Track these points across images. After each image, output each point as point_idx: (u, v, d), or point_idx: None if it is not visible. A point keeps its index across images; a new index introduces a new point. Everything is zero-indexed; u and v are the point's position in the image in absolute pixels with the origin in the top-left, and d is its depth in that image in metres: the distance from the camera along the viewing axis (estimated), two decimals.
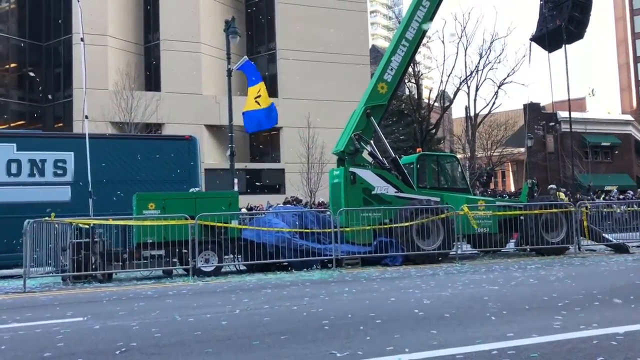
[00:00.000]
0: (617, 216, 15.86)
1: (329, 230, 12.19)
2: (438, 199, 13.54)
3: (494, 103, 43.91)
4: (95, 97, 28.40)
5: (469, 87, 43.37)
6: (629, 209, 16.31)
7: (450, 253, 13.03)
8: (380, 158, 13.87)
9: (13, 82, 41.69)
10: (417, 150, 16.13)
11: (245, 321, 6.03)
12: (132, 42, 40.41)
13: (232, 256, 12.30)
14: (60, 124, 39.79)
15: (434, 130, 44.86)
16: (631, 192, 30.39)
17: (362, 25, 45.19)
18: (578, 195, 26.21)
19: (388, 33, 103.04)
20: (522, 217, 13.62)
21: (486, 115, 44.53)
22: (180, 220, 11.30)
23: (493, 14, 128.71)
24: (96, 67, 32.23)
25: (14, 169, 13.64)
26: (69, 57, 37.70)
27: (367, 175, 13.25)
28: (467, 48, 42.57)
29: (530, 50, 19.07)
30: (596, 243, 14.53)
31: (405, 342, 4.70)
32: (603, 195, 30.21)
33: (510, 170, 55.39)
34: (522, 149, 41.37)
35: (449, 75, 43.13)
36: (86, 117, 13.59)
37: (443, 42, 42.73)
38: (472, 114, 43.94)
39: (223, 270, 12.15)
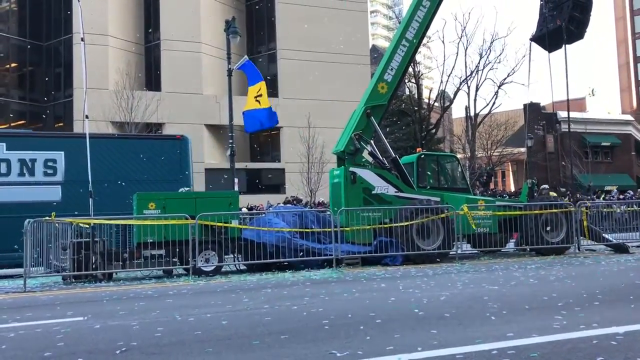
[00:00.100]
0: (617, 216, 15.87)
1: (329, 229, 12.20)
2: (438, 199, 13.54)
3: (494, 103, 43.95)
4: (96, 96, 28.41)
5: (469, 87, 43.40)
6: (628, 209, 16.32)
7: (450, 253, 13.03)
8: (381, 158, 13.88)
9: (13, 82, 41.70)
10: (417, 150, 16.14)
11: (245, 321, 6.04)
12: (132, 41, 40.41)
13: (232, 256, 12.31)
14: (61, 124, 39.81)
15: (434, 130, 44.86)
16: (631, 192, 30.41)
17: (363, 25, 45.20)
18: (578, 195, 26.21)
19: (388, 33, 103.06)
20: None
21: (486, 115, 44.53)
22: (180, 220, 11.31)
23: (493, 14, 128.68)
24: (96, 66, 32.23)
25: (3, 169, 13.58)
26: (70, 57, 37.72)
27: (367, 175, 13.25)
28: (467, 48, 42.61)
29: (530, 50, 19.01)
30: (596, 243, 14.54)
31: (405, 342, 4.70)
32: (603, 195, 30.21)
33: (510, 170, 55.39)
34: (522, 149, 41.40)
35: (449, 75, 43.15)
36: (86, 116, 13.57)
37: (443, 42, 42.76)
38: (472, 113, 43.93)
39: (223, 269, 12.16)
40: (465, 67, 43.21)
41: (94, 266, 11.07)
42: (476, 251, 14.19)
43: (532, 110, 41.96)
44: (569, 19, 15.98)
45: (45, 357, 4.69)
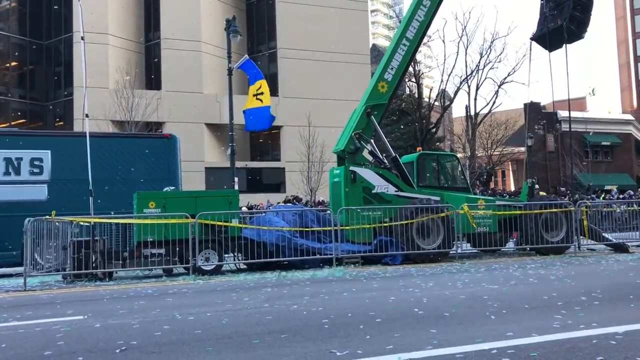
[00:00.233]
0: (617, 216, 15.88)
1: (329, 228, 12.20)
2: (438, 198, 13.55)
3: (494, 102, 43.97)
4: (96, 95, 28.41)
5: (469, 87, 43.42)
6: (628, 208, 16.32)
7: (450, 252, 13.04)
8: (381, 157, 13.88)
9: (14, 81, 41.70)
10: (418, 149, 16.14)
11: (245, 320, 6.04)
12: (132, 40, 40.40)
13: (232, 255, 12.31)
14: (61, 123, 39.83)
15: (434, 130, 44.85)
16: (631, 192, 30.41)
17: (363, 24, 45.17)
18: (578, 194, 26.21)
19: (389, 32, 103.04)
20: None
21: (486, 114, 44.54)
22: (180, 219, 11.31)
23: (494, 14, 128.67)
24: (97, 65, 32.22)
25: None
26: (70, 56, 37.72)
27: (368, 174, 13.26)
28: (467, 47, 42.63)
29: (530, 49, 19.00)
30: (596, 242, 14.54)
31: (405, 341, 4.71)
32: (603, 195, 30.22)
33: (511, 169, 55.41)
34: (522, 149, 41.40)
35: (450, 74, 43.16)
36: (86, 115, 13.54)
37: (444, 41, 42.78)
38: (472, 113, 43.95)
39: (223, 269, 12.16)
40: (466, 66, 43.27)
41: (94, 265, 11.08)
42: (476, 250, 14.19)
43: (533, 109, 41.95)
44: (569, 18, 15.98)
45: (45, 356, 4.69)
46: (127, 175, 13.73)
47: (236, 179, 17.75)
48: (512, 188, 47.64)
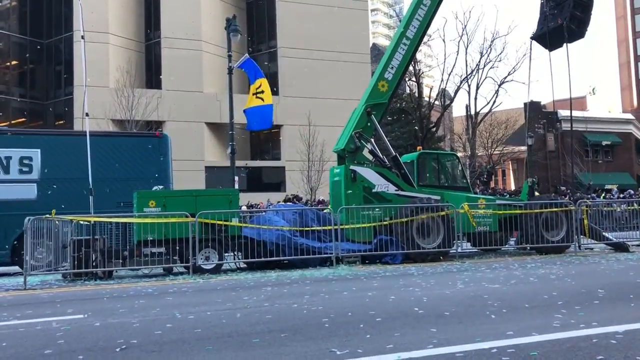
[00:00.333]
0: (617, 215, 15.88)
1: (329, 227, 12.20)
2: (438, 197, 13.54)
3: (494, 101, 43.99)
4: (96, 94, 28.40)
5: (469, 86, 43.44)
6: (629, 207, 16.32)
7: (451, 251, 13.04)
8: (381, 156, 13.87)
9: (14, 80, 41.70)
10: (418, 148, 16.15)
11: (245, 319, 6.04)
12: (133, 39, 40.41)
13: (232, 254, 12.31)
14: (61, 122, 39.83)
15: (434, 129, 44.86)
16: (631, 191, 30.41)
17: (363, 23, 45.16)
18: (578, 194, 26.20)
19: (389, 31, 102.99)
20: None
21: (487, 113, 44.54)
22: (180, 218, 11.31)
23: (494, 13, 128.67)
24: (97, 64, 32.21)
25: None
26: (70, 55, 37.73)
27: (368, 173, 13.26)
28: (467, 46, 42.66)
29: (531, 49, 18.98)
30: (596, 242, 14.54)
31: (405, 341, 4.71)
32: (603, 194, 30.22)
33: (511, 168, 55.42)
34: (523, 148, 41.40)
35: (450, 73, 43.20)
36: (87, 114, 13.52)
37: (444, 40, 42.82)
38: (472, 112, 43.95)
39: (223, 268, 12.15)
40: (466, 65, 43.30)
41: (94, 264, 11.08)
42: (476, 250, 14.19)
43: (533, 108, 41.98)
44: (570, 17, 15.96)
45: (46, 354, 4.69)
46: (117, 174, 13.57)
47: (236, 178, 17.75)
48: (513, 187, 47.63)
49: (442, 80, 43.63)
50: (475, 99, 43.58)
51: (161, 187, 12.82)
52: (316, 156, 33.03)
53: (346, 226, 12.41)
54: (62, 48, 40.20)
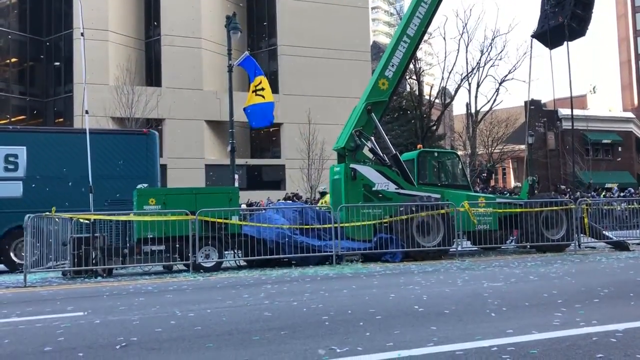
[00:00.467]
0: (617, 214, 15.88)
1: (329, 225, 12.20)
2: (438, 196, 13.54)
3: (494, 100, 43.95)
4: (96, 92, 28.40)
5: (470, 84, 43.38)
6: (629, 206, 16.32)
7: (451, 250, 13.04)
8: (381, 154, 13.86)
9: (14, 77, 41.68)
10: (418, 146, 16.13)
11: (245, 316, 6.04)
12: (132, 37, 40.37)
13: (232, 252, 12.32)
14: (61, 119, 39.83)
15: (434, 127, 44.84)
16: (631, 190, 30.40)
17: (363, 21, 45.13)
18: (578, 192, 26.20)
19: (389, 29, 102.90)
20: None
21: (487, 112, 44.51)
22: (180, 216, 11.31)
23: (494, 11, 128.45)
24: (97, 62, 32.18)
25: None
26: (70, 52, 37.71)
27: (368, 171, 13.26)
28: (468, 45, 42.60)
29: (531, 47, 18.97)
30: (596, 240, 14.54)
31: (404, 338, 4.71)
32: (604, 193, 30.21)
33: (511, 167, 55.41)
34: (523, 146, 41.37)
35: (450, 71, 43.19)
36: (86, 112, 13.50)
37: (444, 38, 42.77)
38: (473, 110, 43.93)
39: (223, 265, 12.16)
40: (467, 63, 43.28)
41: (94, 261, 11.08)
42: (476, 248, 14.19)
43: (533, 107, 41.92)
44: (570, 15, 15.94)
45: (46, 351, 4.69)
46: (103, 172, 13.34)
47: (236, 176, 17.75)
48: (513, 185, 47.62)
49: (442, 78, 43.64)
50: (476, 97, 43.58)
51: (145, 185, 12.63)
52: (316, 154, 33.03)
53: (346, 224, 12.41)
54: (61, 45, 40.18)
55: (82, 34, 13.79)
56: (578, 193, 25.17)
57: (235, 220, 11.90)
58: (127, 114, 29.98)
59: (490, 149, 44.89)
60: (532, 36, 17.33)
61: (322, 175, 30.56)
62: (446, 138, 49.96)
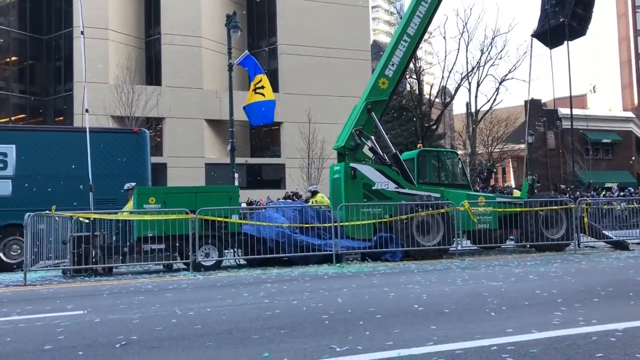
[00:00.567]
0: (617, 213, 15.88)
1: (329, 225, 12.20)
2: (438, 195, 13.55)
3: (494, 99, 43.94)
4: (96, 90, 28.39)
5: (470, 83, 43.36)
6: (629, 206, 16.33)
7: (450, 249, 13.04)
8: (381, 153, 13.87)
9: (14, 75, 41.66)
10: (418, 146, 16.13)
11: (245, 315, 6.04)
12: (133, 35, 40.35)
13: (232, 251, 12.32)
14: (61, 118, 39.81)
15: (434, 126, 44.83)
16: (631, 189, 30.40)
17: (364, 20, 45.11)
18: (578, 192, 26.20)
19: (389, 28, 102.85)
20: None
21: (487, 111, 44.51)
22: (180, 215, 11.31)
23: (495, 10, 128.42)
24: (97, 60, 32.17)
25: None
26: (70, 51, 37.69)
27: (368, 170, 13.26)
28: (468, 44, 42.59)
29: (531, 46, 18.94)
30: (596, 240, 14.54)
31: (404, 338, 4.71)
32: (603, 193, 30.22)
33: (511, 166, 55.41)
34: (523, 146, 41.36)
35: (450, 71, 43.22)
36: (86, 110, 13.49)
37: (444, 37, 42.77)
38: (473, 110, 43.92)
39: (223, 264, 12.17)
40: (467, 63, 43.37)
41: (94, 260, 11.09)
42: (476, 247, 14.20)
43: (533, 106, 41.93)
44: (571, 15, 15.93)
45: (46, 350, 4.70)
46: (93, 171, 13.05)
47: (236, 175, 17.75)
48: (513, 185, 47.64)
49: (442, 77, 43.61)
50: (476, 96, 43.57)
51: (133, 183, 12.55)
52: (316, 153, 33.03)
53: (346, 223, 12.41)
54: (62, 44, 40.16)
55: (82, 33, 13.77)
56: (578, 192, 25.16)
57: (235, 219, 11.90)
58: (127, 112, 29.97)
59: (490, 149, 44.90)
60: (533, 35, 17.31)
61: (322, 174, 30.55)
62: (446, 137, 49.96)
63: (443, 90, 45.10)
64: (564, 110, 43.77)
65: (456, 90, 44.54)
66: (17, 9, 41.15)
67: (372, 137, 14.02)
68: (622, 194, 28.03)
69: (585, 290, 7.09)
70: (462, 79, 43.31)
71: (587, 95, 61.92)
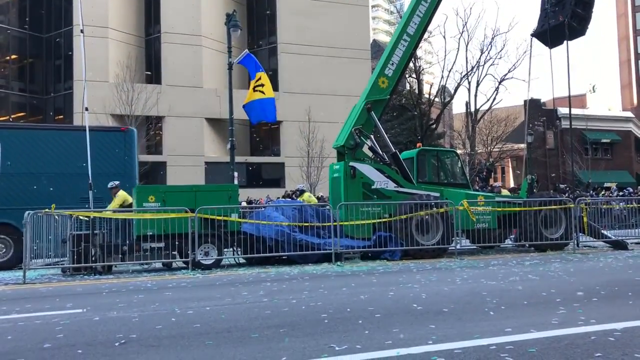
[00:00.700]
0: (616, 213, 15.89)
1: (329, 224, 12.20)
2: (438, 194, 13.56)
3: (494, 99, 43.98)
4: (96, 89, 28.39)
5: (469, 83, 43.40)
6: (627, 205, 16.34)
7: (450, 248, 13.04)
8: (381, 153, 13.88)
9: (13, 74, 41.63)
10: (417, 145, 16.13)
11: (244, 314, 6.05)
12: (133, 34, 40.33)
13: (231, 249, 12.32)
14: (61, 116, 39.80)
15: (434, 126, 44.85)
16: (630, 189, 30.42)
17: (363, 19, 45.09)
18: (577, 191, 26.21)
19: (389, 28, 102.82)
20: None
21: (486, 110, 44.53)
22: (180, 213, 11.31)
23: (495, 10, 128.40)
24: (97, 59, 32.17)
25: None
26: (70, 49, 37.67)
27: (367, 169, 13.26)
28: (468, 43, 42.61)
29: (531, 46, 18.96)
30: (595, 239, 14.55)
31: (403, 337, 4.71)
32: (602, 192, 30.23)
33: (510, 166, 55.42)
34: (522, 145, 41.36)
35: (450, 70, 43.22)
36: (86, 109, 13.48)
37: (444, 37, 42.80)
38: (472, 109, 43.93)
39: (222, 263, 12.17)
40: (466, 62, 43.31)
41: (93, 259, 11.09)
42: (475, 247, 14.21)
43: (533, 106, 41.93)
44: (571, 15, 15.93)
45: (45, 348, 4.70)
46: (79, 169, 13.07)
47: (236, 174, 17.75)
48: (512, 184, 47.66)
49: (442, 77, 43.67)
50: (475, 96, 43.59)
51: (117, 182, 12.46)
52: (316, 152, 33.04)
53: (345, 222, 12.41)
54: (61, 42, 40.14)
55: (82, 31, 13.76)
56: (577, 192, 25.17)
57: (234, 217, 11.91)
58: (127, 111, 29.98)
59: (489, 148, 44.92)
60: (532, 35, 17.32)
61: (322, 173, 30.56)
62: (445, 137, 49.98)
63: (443, 90, 45.12)
64: (563, 110, 43.77)
65: (456, 89, 44.59)
66: (17, 7, 41.12)
67: (372, 136, 14.03)
68: (621, 193, 28.04)
69: (584, 290, 7.10)
70: (461, 79, 43.38)
71: (586, 95, 61.96)
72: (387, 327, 5.11)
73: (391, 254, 12.51)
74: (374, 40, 61.43)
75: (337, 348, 4.38)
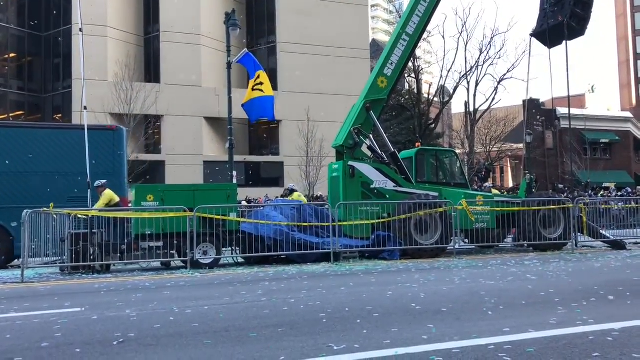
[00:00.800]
0: (615, 213, 15.90)
1: (327, 224, 12.20)
2: (436, 194, 13.56)
3: (493, 98, 43.98)
4: (95, 88, 28.36)
5: (468, 83, 43.40)
6: (626, 205, 16.35)
7: (448, 248, 13.05)
8: (380, 152, 13.88)
9: (12, 72, 41.58)
10: (416, 144, 16.13)
11: (242, 313, 6.05)
12: (132, 33, 40.30)
13: (230, 249, 12.32)
14: (60, 115, 39.76)
15: (433, 125, 44.85)
16: (628, 189, 30.45)
17: (363, 19, 45.10)
18: (576, 191, 26.24)
19: (389, 27, 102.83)
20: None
21: (485, 110, 44.54)
22: (178, 212, 11.30)
23: (494, 10, 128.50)
24: (96, 58, 32.13)
25: None
26: (69, 48, 37.63)
27: (366, 169, 13.26)
28: (467, 43, 42.60)
29: (530, 46, 18.95)
30: (593, 239, 14.57)
31: (402, 336, 4.71)
32: (601, 192, 30.26)
33: (509, 166, 55.45)
34: (521, 145, 41.40)
35: (449, 70, 43.16)
36: (85, 108, 13.45)
37: (443, 37, 42.87)
38: (471, 109, 43.95)
39: (221, 262, 12.17)
40: (465, 62, 43.39)
41: (92, 257, 11.07)
42: (474, 246, 14.21)
43: (532, 106, 41.98)
44: (570, 15, 15.94)
45: (43, 347, 4.69)
46: (68, 168, 12.98)
47: (235, 173, 17.74)
48: (511, 184, 47.69)
49: (441, 76, 43.66)
50: (474, 95, 43.61)
51: (104, 181, 12.32)
52: (315, 152, 33.02)
53: (344, 222, 12.41)
54: (60, 41, 40.09)
55: (80, 30, 13.73)
56: (576, 192, 25.20)
57: (233, 217, 11.90)
58: (125, 110, 29.93)
59: (488, 148, 44.95)
60: (531, 35, 17.33)
61: (321, 172, 30.55)
62: (444, 136, 49.98)
63: (442, 90, 45.12)
64: (562, 110, 43.81)
65: (455, 89, 44.58)
66: (15, 6, 41.07)
67: (371, 136, 14.03)
68: (619, 193, 28.07)
69: (582, 289, 7.11)
70: (460, 78, 43.39)
71: (585, 95, 62.00)
72: (385, 327, 5.10)
73: (390, 253, 12.51)
74: (373, 40, 61.44)
75: (335, 347, 4.38)
